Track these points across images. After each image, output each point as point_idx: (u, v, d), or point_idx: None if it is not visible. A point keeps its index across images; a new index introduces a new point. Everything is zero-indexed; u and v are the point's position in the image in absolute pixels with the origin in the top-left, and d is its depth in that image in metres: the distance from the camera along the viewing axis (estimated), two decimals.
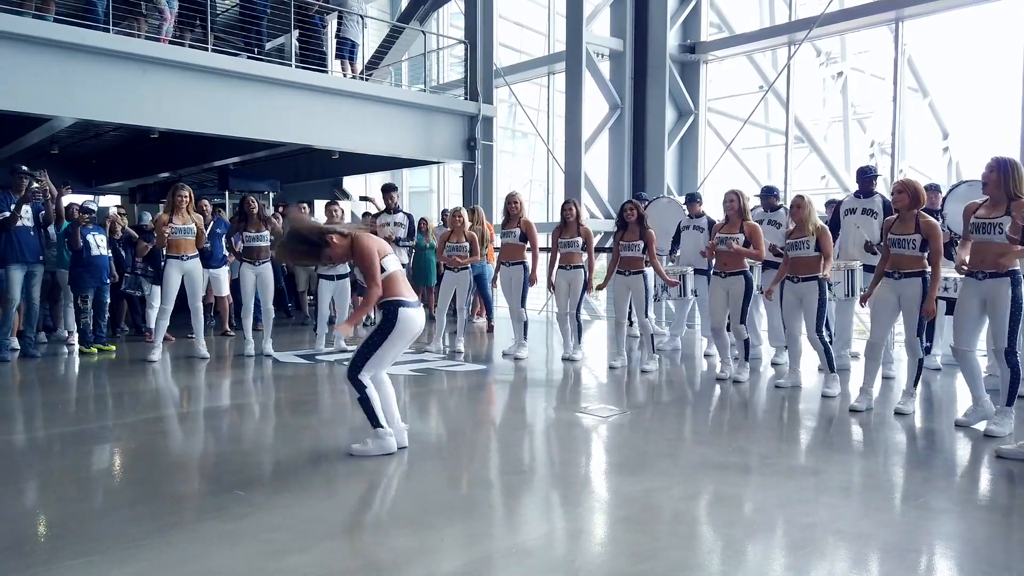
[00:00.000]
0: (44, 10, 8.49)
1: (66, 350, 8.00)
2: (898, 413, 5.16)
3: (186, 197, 7.30)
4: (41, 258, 7.48)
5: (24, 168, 7.50)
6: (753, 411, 5.61)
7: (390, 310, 4.12)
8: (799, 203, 5.77)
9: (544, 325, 10.25)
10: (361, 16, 11.47)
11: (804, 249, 5.74)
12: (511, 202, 7.65)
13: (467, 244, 7.77)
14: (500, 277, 7.86)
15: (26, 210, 7.25)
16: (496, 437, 4.96)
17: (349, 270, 8.01)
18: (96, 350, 7.70)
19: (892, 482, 3.97)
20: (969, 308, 4.73)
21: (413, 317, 4.18)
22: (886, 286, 5.17)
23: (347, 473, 4.08)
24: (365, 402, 4.19)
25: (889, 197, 6.94)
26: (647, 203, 8.74)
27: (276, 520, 3.28)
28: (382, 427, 4.24)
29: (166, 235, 7.15)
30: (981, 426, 4.78)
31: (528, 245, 7.60)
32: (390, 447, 4.25)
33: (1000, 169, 4.55)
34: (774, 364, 7.17)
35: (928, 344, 6.87)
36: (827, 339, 5.85)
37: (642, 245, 6.73)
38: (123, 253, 8.62)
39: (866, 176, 6.78)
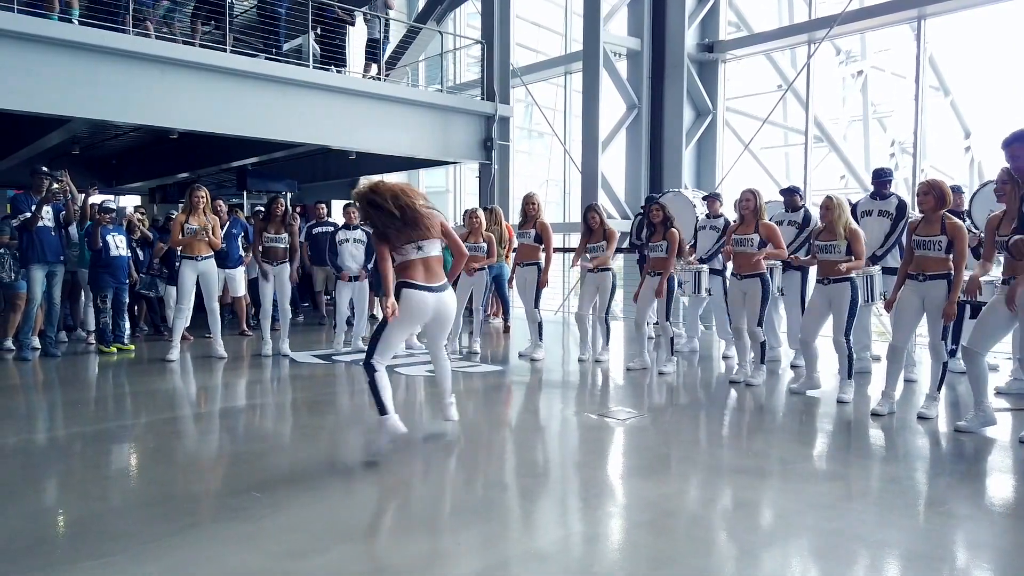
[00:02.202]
0: (70, 5, 8.58)
1: (86, 350, 8.07)
2: (921, 417, 5.08)
3: (203, 198, 7.35)
4: (62, 258, 7.55)
5: (44, 169, 7.57)
6: (772, 415, 5.55)
7: (395, 291, 4.23)
8: (829, 204, 5.56)
9: (560, 326, 10.23)
10: (380, 17, 11.49)
11: (835, 253, 5.55)
12: (529, 203, 7.63)
13: (484, 245, 7.76)
14: (516, 278, 7.87)
15: (47, 210, 7.32)
16: (512, 439, 4.94)
17: (368, 273, 8.02)
18: (115, 349, 7.77)
19: (915, 488, 3.91)
20: (996, 318, 4.63)
21: (418, 298, 4.26)
22: (910, 288, 5.08)
23: (364, 474, 4.08)
24: (372, 386, 4.30)
25: (906, 199, 6.89)
26: (657, 199, 8.70)
27: (293, 521, 3.28)
28: (387, 414, 4.31)
29: (180, 236, 7.20)
30: (988, 430, 4.71)
31: (543, 246, 7.59)
32: (396, 428, 4.33)
33: (1012, 180, 4.48)
34: (794, 367, 7.10)
35: (953, 347, 6.78)
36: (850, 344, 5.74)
37: (666, 245, 6.68)
38: (140, 253, 8.68)
39: (881, 177, 6.70)
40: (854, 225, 5.65)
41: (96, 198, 8.20)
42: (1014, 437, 4.65)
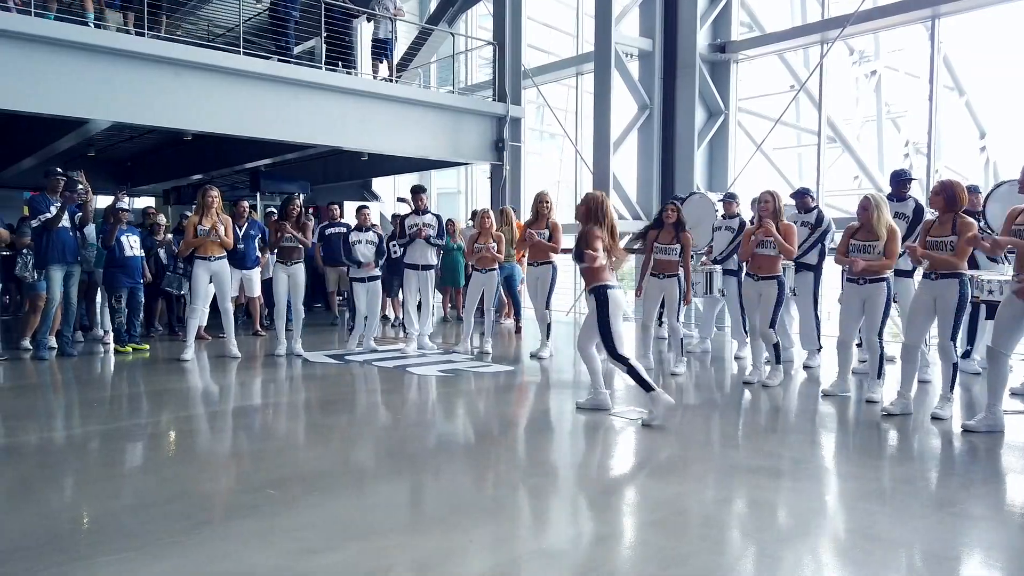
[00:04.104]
0: (85, 7, 8.67)
1: (102, 349, 8.15)
2: (935, 418, 5.06)
3: (216, 199, 7.42)
4: (79, 258, 7.63)
5: (59, 170, 7.66)
6: (784, 414, 5.54)
7: (600, 294, 4.98)
8: (867, 204, 5.41)
9: (572, 327, 10.22)
10: (390, 18, 11.54)
11: (872, 253, 5.41)
12: (541, 202, 7.59)
13: (495, 245, 7.78)
14: (527, 277, 7.86)
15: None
16: (523, 438, 4.95)
17: (380, 274, 8.07)
18: (131, 349, 7.84)
19: (928, 488, 3.89)
20: (1013, 312, 4.61)
21: (618, 296, 5.02)
22: (923, 287, 5.07)
23: (377, 473, 4.10)
24: (633, 372, 4.99)
25: (923, 200, 6.85)
26: (681, 200, 8.68)
27: (307, 519, 3.31)
28: (653, 390, 4.93)
29: (193, 237, 7.28)
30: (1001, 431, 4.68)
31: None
32: (668, 403, 4.97)
33: None
34: (806, 367, 7.08)
35: (968, 348, 6.74)
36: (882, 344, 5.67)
37: (679, 248, 6.66)
38: (162, 253, 8.77)
39: (900, 179, 6.66)
40: (893, 224, 5.48)
41: (106, 199, 8.30)
42: None
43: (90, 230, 7.98)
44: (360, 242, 7.87)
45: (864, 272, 5.39)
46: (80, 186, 7.63)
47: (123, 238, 7.77)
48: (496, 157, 12.30)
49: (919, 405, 5.52)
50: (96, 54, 8.50)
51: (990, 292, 5.70)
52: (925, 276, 5.03)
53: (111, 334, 8.18)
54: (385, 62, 11.66)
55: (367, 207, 8.26)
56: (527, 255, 7.91)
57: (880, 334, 5.56)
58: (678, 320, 6.84)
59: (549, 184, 17.97)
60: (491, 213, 8.05)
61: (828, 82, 11.35)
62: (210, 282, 7.52)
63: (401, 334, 9.09)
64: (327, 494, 3.64)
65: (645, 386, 4.99)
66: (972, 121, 16.85)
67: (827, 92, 11.26)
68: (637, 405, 5.62)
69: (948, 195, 4.90)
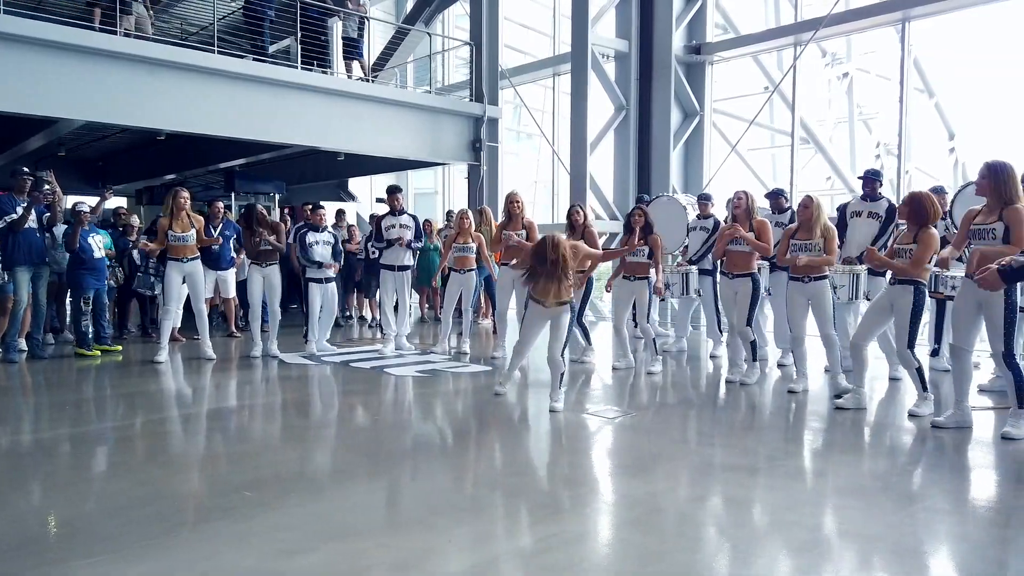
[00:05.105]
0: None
1: (72, 351, 8.02)
2: (912, 415, 5.14)
3: (187, 200, 7.36)
4: (47, 260, 7.51)
5: (25, 169, 7.54)
6: (759, 412, 5.60)
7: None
8: (808, 203, 5.73)
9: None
10: (362, 17, 11.49)
11: (814, 251, 5.71)
12: (512, 201, 7.52)
13: (474, 245, 7.79)
14: (500, 278, 7.81)
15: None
16: (501, 438, 4.96)
17: (335, 276, 8.02)
18: (99, 352, 7.71)
19: (899, 483, 3.96)
20: (967, 309, 4.71)
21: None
22: (884, 291, 5.33)
23: (355, 474, 4.09)
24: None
25: (895, 200, 6.99)
26: (648, 202, 8.75)
27: (285, 520, 3.30)
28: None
29: (164, 243, 7.23)
30: (969, 427, 4.77)
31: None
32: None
33: (991, 175, 4.54)
34: (780, 365, 7.16)
35: (936, 345, 6.86)
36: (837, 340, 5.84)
37: (647, 250, 6.72)
38: (135, 254, 8.65)
39: (868, 178, 6.78)
40: (830, 225, 5.79)
41: (73, 198, 8.19)
42: (995, 434, 4.72)
43: (59, 231, 7.85)
44: (317, 243, 7.82)
45: (807, 269, 5.64)
46: (47, 186, 7.51)
47: (89, 239, 7.65)
48: (473, 157, 12.30)
49: (889, 402, 5.62)
50: (67, 52, 8.37)
51: (953, 288, 5.81)
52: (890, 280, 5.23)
53: (75, 338, 8.01)
54: (357, 62, 11.60)
55: (322, 207, 8.23)
56: (502, 256, 7.89)
57: (831, 328, 5.72)
58: (648, 321, 6.91)
59: (526, 184, 18.05)
60: (469, 213, 8.05)
61: (801, 84, 11.50)
62: (183, 283, 7.45)
63: (378, 335, 9.06)
64: (304, 495, 3.63)
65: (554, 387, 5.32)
66: (941, 122, 17.14)
67: (800, 94, 11.42)
68: (614, 405, 5.67)
69: (913, 208, 5.06)
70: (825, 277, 5.76)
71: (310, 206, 10.27)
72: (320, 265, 7.75)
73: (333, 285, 8.02)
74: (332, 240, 7.93)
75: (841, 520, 3.34)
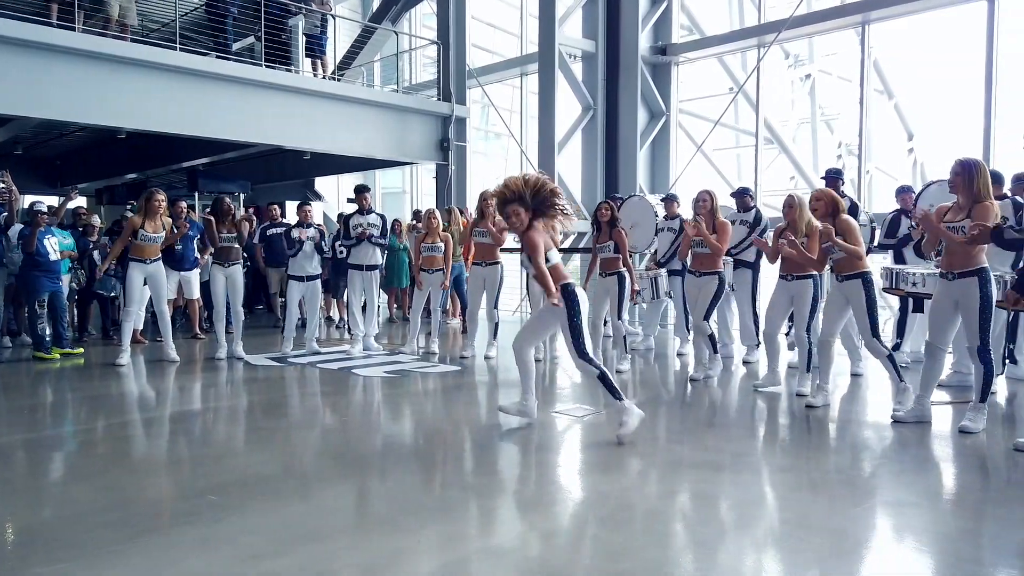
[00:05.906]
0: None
1: (31, 355, 7.83)
2: (895, 412, 5.12)
3: (163, 203, 7.23)
4: (4, 261, 7.32)
5: None
6: (725, 410, 5.67)
7: (569, 292, 4.64)
8: (791, 202, 5.67)
9: (518, 326, 10.24)
10: (326, 15, 11.39)
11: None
12: (485, 200, 7.54)
13: (442, 245, 7.76)
14: (472, 277, 7.79)
15: None
16: (470, 438, 4.95)
17: (320, 271, 7.97)
18: (58, 355, 7.53)
19: (861, 477, 4.03)
20: (944, 308, 4.81)
21: (582, 293, 4.82)
22: (834, 286, 5.41)
23: (321, 476, 4.05)
24: (604, 378, 4.65)
25: (856, 199, 7.13)
26: (621, 201, 8.80)
27: (251, 524, 3.26)
28: (621, 400, 4.61)
29: (132, 240, 7.07)
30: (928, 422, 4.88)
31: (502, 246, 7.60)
32: (640, 416, 4.61)
33: (964, 171, 4.64)
34: (745, 363, 7.26)
35: (898, 340, 7.01)
36: (811, 339, 5.85)
37: (613, 245, 6.75)
38: (96, 255, 8.47)
39: (829, 177, 6.92)
40: (816, 223, 5.68)
41: (30, 198, 7.99)
42: (954, 428, 4.83)
43: (14, 231, 7.65)
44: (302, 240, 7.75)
45: (792, 267, 5.68)
46: (2, 185, 7.33)
47: (45, 240, 7.46)
48: (441, 156, 12.27)
49: (851, 398, 5.71)
50: (25, 48, 8.18)
51: (914, 285, 5.92)
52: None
53: (32, 342, 7.81)
54: (320, 60, 11.49)
55: (309, 204, 8.16)
56: (473, 254, 7.88)
57: (808, 329, 5.75)
58: (620, 318, 6.92)
59: (494, 183, 18.02)
60: (437, 213, 8.02)
61: (765, 85, 11.66)
62: (144, 285, 7.31)
63: (346, 335, 8.99)
64: (271, 499, 3.59)
65: (615, 394, 4.64)
66: (901, 123, 17.52)
67: (764, 95, 11.58)
68: (583, 403, 5.69)
69: (828, 200, 5.35)
70: (811, 276, 5.69)
71: (276, 205, 10.19)
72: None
73: (316, 284, 7.93)
74: (317, 236, 7.82)
75: (804, 514, 3.39)
